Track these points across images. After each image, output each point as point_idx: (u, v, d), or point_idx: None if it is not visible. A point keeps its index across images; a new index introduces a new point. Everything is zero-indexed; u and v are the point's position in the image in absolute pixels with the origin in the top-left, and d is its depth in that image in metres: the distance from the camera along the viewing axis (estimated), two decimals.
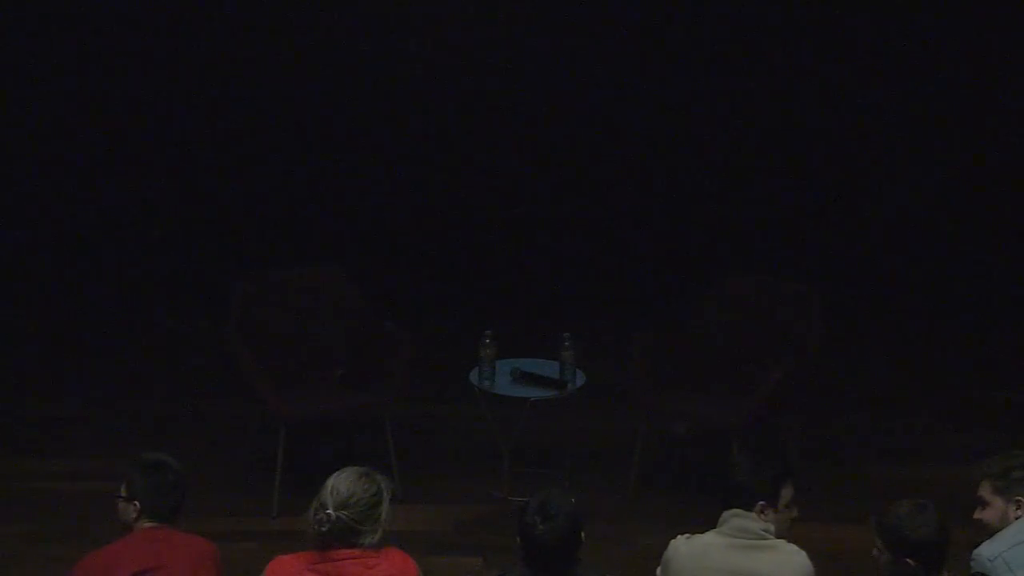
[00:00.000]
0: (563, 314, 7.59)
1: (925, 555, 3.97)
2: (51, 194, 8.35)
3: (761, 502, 4.26)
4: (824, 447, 6.77)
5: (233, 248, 8.24)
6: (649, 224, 8.47)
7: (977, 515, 4.41)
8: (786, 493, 4.32)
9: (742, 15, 8.17)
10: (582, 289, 8.31)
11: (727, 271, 6.67)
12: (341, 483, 3.98)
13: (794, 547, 4.25)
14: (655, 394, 6.21)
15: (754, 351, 6.36)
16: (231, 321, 6.24)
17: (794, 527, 4.39)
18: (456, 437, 6.82)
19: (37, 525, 5.96)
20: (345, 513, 3.93)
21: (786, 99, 8.27)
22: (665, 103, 8.32)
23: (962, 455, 6.45)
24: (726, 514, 4.28)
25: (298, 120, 8.33)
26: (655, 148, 8.39)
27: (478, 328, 6.26)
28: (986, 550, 4.22)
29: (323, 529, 3.95)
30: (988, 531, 4.35)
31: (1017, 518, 4.31)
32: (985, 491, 4.39)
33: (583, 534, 3.98)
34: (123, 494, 4.23)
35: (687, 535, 4.30)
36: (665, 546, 4.31)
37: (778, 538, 4.25)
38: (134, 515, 4.20)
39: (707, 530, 4.29)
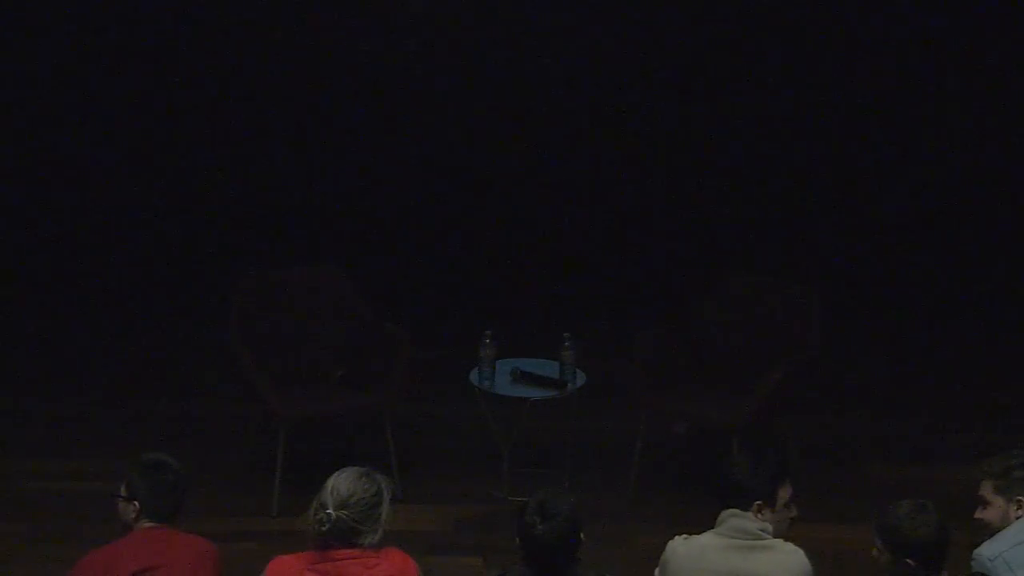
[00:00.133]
0: (563, 314, 7.59)
1: (925, 555, 3.97)
2: (51, 193, 8.34)
3: (758, 502, 4.26)
4: (824, 447, 6.77)
5: (233, 248, 8.24)
6: (649, 224, 8.47)
7: (978, 515, 4.41)
8: (784, 493, 4.32)
9: (741, 15, 8.17)
10: (582, 289, 8.30)
11: (727, 271, 6.67)
12: (341, 483, 3.98)
13: (792, 546, 4.25)
14: (655, 394, 6.21)
15: (754, 351, 6.36)
16: (231, 321, 6.24)
17: (794, 527, 4.39)
18: (456, 437, 6.82)
19: (37, 525, 5.97)
20: (345, 513, 3.93)
21: (786, 99, 8.27)
22: (665, 103, 8.32)
23: (962, 455, 6.47)
24: (724, 514, 4.28)
25: (298, 120, 8.32)
26: (655, 148, 8.39)
27: (478, 328, 6.26)
28: (987, 550, 4.22)
29: (323, 529, 3.95)
30: (989, 531, 4.35)
31: (1018, 518, 4.31)
32: (986, 490, 4.39)
33: (582, 534, 3.98)
34: (123, 494, 4.24)
35: (685, 536, 4.30)
36: (665, 546, 4.31)
37: (776, 537, 4.25)
38: (134, 515, 4.21)
39: (706, 530, 4.30)
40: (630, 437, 6.34)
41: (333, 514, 3.92)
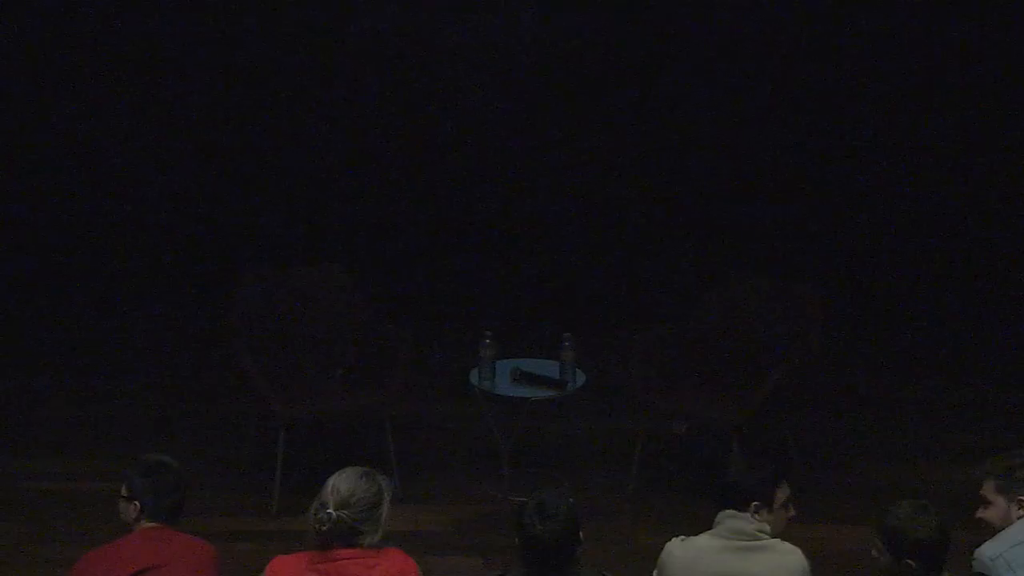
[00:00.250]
0: (563, 314, 7.59)
1: (925, 556, 3.97)
2: (50, 192, 8.35)
3: (756, 502, 4.26)
4: (824, 447, 6.77)
5: (234, 247, 8.24)
6: (649, 224, 8.47)
7: (979, 514, 4.41)
8: (781, 493, 4.31)
9: (741, 14, 8.17)
10: (582, 289, 8.31)
11: (727, 271, 6.67)
12: (341, 483, 3.98)
13: (789, 546, 4.25)
14: (655, 394, 6.21)
15: (754, 351, 6.36)
16: (231, 321, 6.24)
17: (794, 527, 4.39)
18: (456, 437, 6.82)
19: (37, 525, 5.96)
20: (345, 513, 3.93)
21: (786, 99, 8.27)
22: (665, 103, 8.32)
23: (962, 455, 6.47)
24: (721, 515, 4.28)
25: (299, 120, 8.33)
26: (655, 148, 8.39)
27: (478, 328, 6.26)
28: (988, 549, 4.22)
29: (323, 528, 3.95)
30: (990, 530, 4.35)
31: (1019, 517, 4.31)
32: (988, 490, 4.39)
33: (582, 534, 3.98)
34: (124, 494, 4.24)
35: (682, 537, 4.29)
36: (664, 546, 4.31)
37: (774, 537, 4.25)
38: (134, 515, 4.21)
39: (705, 531, 4.30)
40: (630, 437, 6.34)
41: (333, 514, 3.93)
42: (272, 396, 6.00)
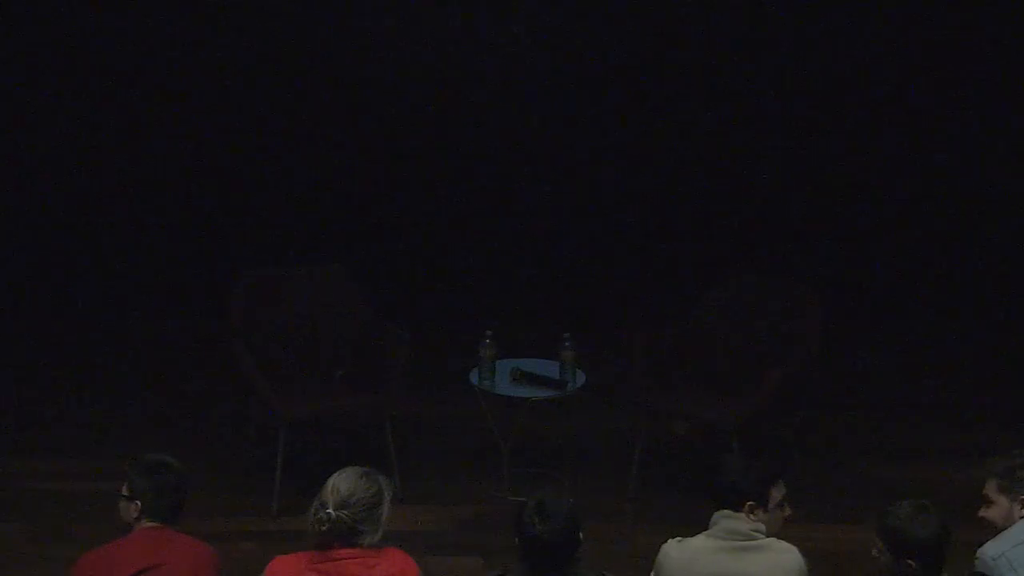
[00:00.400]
0: (563, 314, 7.59)
1: (926, 556, 3.97)
2: (49, 192, 8.34)
3: (751, 502, 4.26)
4: (824, 447, 6.77)
5: (233, 248, 8.23)
6: (649, 224, 8.47)
7: (982, 513, 4.41)
8: (776, 492, 4.31)
9: (742, 14, 8.16)
10: (582, 289, 8.30)
11: (727, 271, 6.67)
12: (341, 483, 3.98)
13: (785, 544, 4.25)
14: (655, 394, 6.21)
15: (754, 351, 6.36)
16: (231, 321, 6.24)
17: (793, 527, 4.39)
18: (456, 437, 6.82)
19: (37, 525, 5.96)
20: (345, 513, 3.93)
21: (786, 98, 8.26)
22: (665, 103, 8.32)
23: (962, 455, 6.47)
24: (716, 515, 4.29)
25: (298, 120, 8.32)
26: (655, 148, 8.38)
27: (478, 328, 6.26)
28: (990, 549, 4.22)
29: (323, 528, 3.95)
30: (993, 530, 4.35)
31: (1022, 517, 4.31)
32: (990, 490, 4.39)
33: (582, 534, 3.98)
34: (125, 493, 4.24)
35: (678, 539, 4.30)
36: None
37: (770, 537, 4.25)
38: (135, 514, 4.21)
39: (700, 531, 4.30)
40: (630, 437, 6.34)
41: (333, 514, 3.93)
42: (272, 396, 6.01)
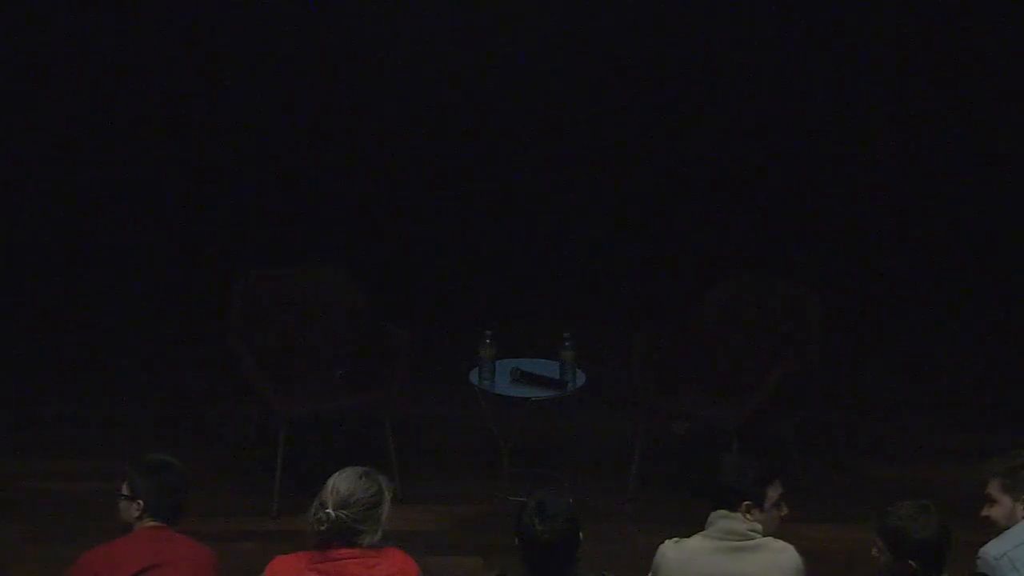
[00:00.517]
0: (563, 314, 7.59)
1: (927, 556, 3.97)
2: (48, 192, 8.34)
3: (747, 502, 4.26)
4: (824, 447, 6.77)
5: (233, 248, 8.23)
6: (649, 224, 8.47)
7: (985, 513, 4.41)
8: (772, 492, 4.32)
9: (741, 15, 8.17)
10: (582, 289, 8.30)
11: (727, 271, 6.67)
12: (341, 483, 3.99)
13: (781, 543, 4.25)
14: (655, 394, 6.21)
15: (754, 351, 6.36)
16: (231, 321, 6.23)
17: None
18: (456, 437, 6.82)
19: (37, 525, 5.96)
20: (345, 513, 3.93)
21: (786, 98, 8.27)
22: (665, 103, 8.32)
23: (962, 455, 6.46)
24: (712, 516, 4.30)
25: (299, 120, 8.32)
26: (655, 148, 8.39)
27: (478, 328, 6.26)
28: (992, 548, 4.22)
29: (322, 528, 3.95)
30: (996, 529, 4.35)
31: None
32: (993, 489, 4.39)
33: (582, 534, 3.98)
34: (126, 493, 4.23)
35: (675, 539, 4.30)
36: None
37: (766, 536, 4.25)
38: (137, 514, 4.21)
39: (697, 532, 4.30)
40: (630, 437, 6.34)
41: (332, 514, 3.93)
42: (272, 396, 6.00)
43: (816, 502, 6.01)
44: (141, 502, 4.20)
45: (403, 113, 8.31)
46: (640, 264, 8.40)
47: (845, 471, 6.58)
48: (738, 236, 8.38)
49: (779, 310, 6.40)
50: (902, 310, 8.31)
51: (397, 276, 8.19)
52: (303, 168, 8.37)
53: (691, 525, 4.39)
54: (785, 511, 4.36)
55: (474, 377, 6.24)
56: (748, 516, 4.26)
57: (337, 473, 4.03)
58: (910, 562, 3.97)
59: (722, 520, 4.25)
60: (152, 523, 4.20)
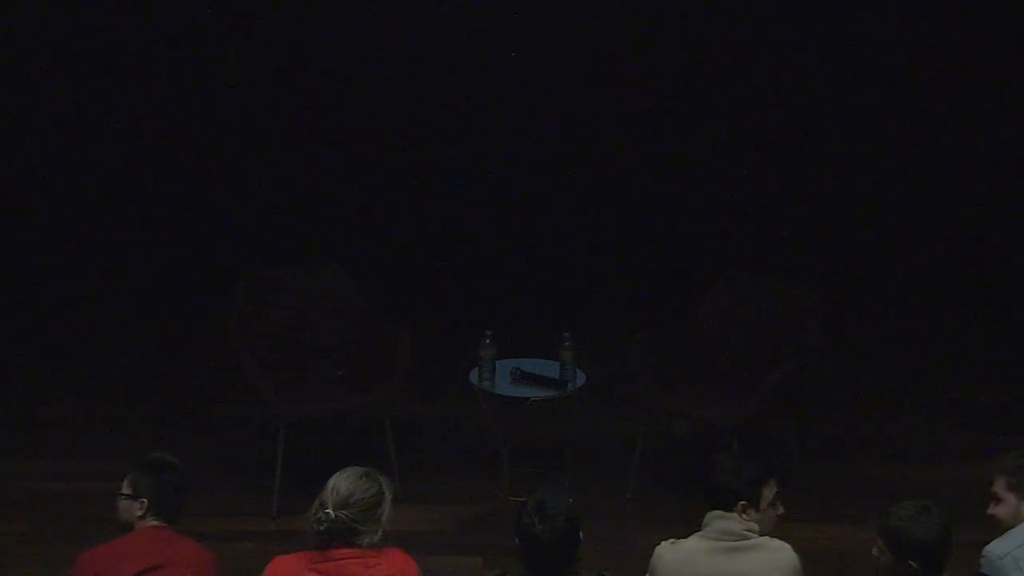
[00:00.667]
0: (563, 314, 7.59)
1: (927, 557, 3.97)
2: (48, 192, 8.34)
3: (743, 502, 4.26)
4: (824, 447, 6.77)
5: (233, 247, 8.23)
6: (649, 224, 8.47)
7: (990, 511, 4.41)
8: (768, 492, 4.32)
9: (741, 14, 8.17)
10: (582, 289, 8.30)
11: (727, 271, 6.67)
12: (341, 483, 3.99)
13: (778, 542, 4.25)
14: (655, 394, 6.21)
15: (754, 351, 6.36)
16: (231, 321, 6.23)
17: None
18: (456, 437, 6.82)
19: (37, 525, 5.96)
20: (345, 513, 3.93)
21: (786, 98, 8.27)
22: (665, 103, 8.32)
23: (962, 455, 6.47)
24: (709, 516, 4.30)
25: (299, 120, 8.32)
26: (655, 148, 8.39)
27: (478, 328, 6.26)
28: (996, 548, 4.22)
29: (322, 528, 3.95)
30: (1001, 528, 4.35)
31: None
32: (999, 487, 4.39)
33: (582, 534, 3.98)
34: (127, 492, 4.23)
35: (671, 541, 4.30)
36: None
37: (763, 535, 4.25)
38: (139, 513, 4.21)
39: (693, 533, 4.30)
40: (630, 437, 6.33)
41: (332, 514, 3.93)
42: (272, 396, 6.00)
43: (816, 502, 6.01)
44: (144, 501, 4.20)
45: (404, 113, 8.31)
46: (640, 264, 8.40)
47: (845, 471, 6.58)
48: (738, 236, 8.38)
49: (779, 310, 6.40)
50: (902, 310, 8.31)
51: (397, 276, 8.19)
52: (304, 168, 8.37)
53: (691, 525, 4.39)
54: (781, 510, 4.36)
55: (474, 377, 6.24)
56: (744, 516, 4.26)
57: (337, 473, 4.03)
58: (911, 562, 3.96)
59: (718, 520, 4.25)
60: (154, 522, 4.20)
